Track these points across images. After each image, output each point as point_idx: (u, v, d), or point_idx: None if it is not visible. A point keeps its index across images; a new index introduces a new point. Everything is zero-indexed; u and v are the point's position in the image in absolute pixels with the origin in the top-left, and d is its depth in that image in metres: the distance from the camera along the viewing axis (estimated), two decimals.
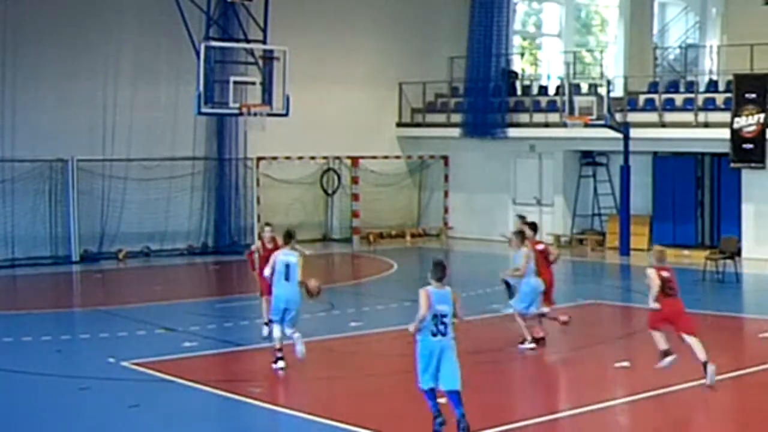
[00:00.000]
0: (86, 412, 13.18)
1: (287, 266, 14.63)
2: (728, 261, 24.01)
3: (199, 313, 19.11)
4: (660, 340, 14.31)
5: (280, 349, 14.78)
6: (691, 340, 14.09)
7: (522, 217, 18.16)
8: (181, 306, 20.13)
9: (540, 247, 17.07)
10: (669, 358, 14.22)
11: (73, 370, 15.14)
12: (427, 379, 11.67)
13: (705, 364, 13.92)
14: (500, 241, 31.81)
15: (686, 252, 27.92)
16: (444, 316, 11.55)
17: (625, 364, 15.36)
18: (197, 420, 12.97)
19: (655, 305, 14.17)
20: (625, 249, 28.78)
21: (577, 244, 30.83)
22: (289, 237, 14.95)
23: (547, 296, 16.77)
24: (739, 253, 25.18)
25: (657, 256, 14.68)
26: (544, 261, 16.83)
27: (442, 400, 11.72)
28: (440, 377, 11.61)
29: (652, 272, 14.31)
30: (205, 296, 20.40)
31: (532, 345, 16.25)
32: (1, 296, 22.92)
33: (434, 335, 11.55)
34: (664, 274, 14.37)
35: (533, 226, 17.26)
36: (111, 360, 15.50)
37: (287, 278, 14.60)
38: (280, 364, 14.79)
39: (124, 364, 15.29)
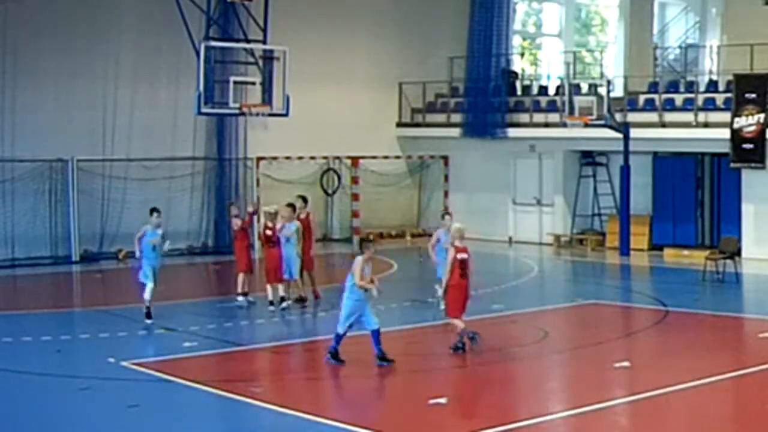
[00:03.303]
0: (86, 412, 13.16)
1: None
2: (728, 261, 24.00)
3: (199, 313, 19.10)
4: (461, 324, 15.74)
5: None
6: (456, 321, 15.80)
7: (303, 198, 21.00)
8: (181, 306, 20.12)
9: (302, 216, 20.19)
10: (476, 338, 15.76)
11: (73, 370, 15.13)
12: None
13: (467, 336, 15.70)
14: (501, 240, 32.09)
15: (686, 252, 27.97)
16: None
17: (625, 364, 15.36)
18: (197, 420, 12.96)
19: (444, 279, 15.69)
20: (625, 249, 28.76)
21: (577, 244, 30.82)
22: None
23: (306, 264, 19.93)
24: (739, 253, 25.18)
25: (457, 235, 15.85)
26: (308, 232, 20.06)
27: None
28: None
29: (451, 252, 15.65)
30: (205, 296, 20.36)
31: (288, 303, 19.26)
32: (1, 296, 22.90)
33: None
34: (462, 255, 15.60)
35: (304, 199, 20.71)
36: (111, 360, 15.49)
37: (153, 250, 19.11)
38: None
39: (124, 364, 15.28)
